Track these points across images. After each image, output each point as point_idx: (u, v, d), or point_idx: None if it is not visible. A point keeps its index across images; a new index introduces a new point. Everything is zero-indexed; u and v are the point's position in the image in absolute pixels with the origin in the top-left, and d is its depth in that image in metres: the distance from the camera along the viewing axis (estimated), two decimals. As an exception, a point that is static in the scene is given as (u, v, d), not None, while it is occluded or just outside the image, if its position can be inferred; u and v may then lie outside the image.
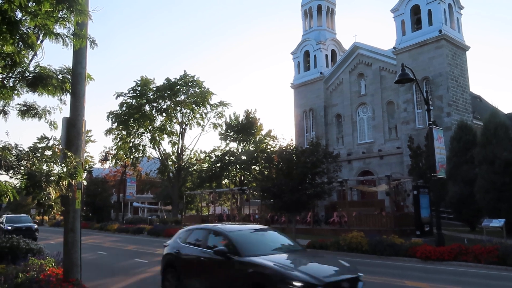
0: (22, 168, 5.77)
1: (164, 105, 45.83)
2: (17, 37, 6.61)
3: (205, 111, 47.00)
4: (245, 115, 48.96)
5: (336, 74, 42.61)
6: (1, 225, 29.21)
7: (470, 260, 14.32)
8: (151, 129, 46.06)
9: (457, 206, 24.00)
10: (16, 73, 7.75)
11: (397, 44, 36.47)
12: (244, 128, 47.77)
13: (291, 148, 24.51)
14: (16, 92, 7.81)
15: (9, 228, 27.06)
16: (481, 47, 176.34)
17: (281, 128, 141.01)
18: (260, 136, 49.18)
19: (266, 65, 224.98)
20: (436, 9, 34.56)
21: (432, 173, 17.84)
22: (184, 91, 45.47)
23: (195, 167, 50.50)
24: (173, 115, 46.34)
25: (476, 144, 23.37)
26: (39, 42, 6.93)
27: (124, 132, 45.74)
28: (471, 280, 11.70)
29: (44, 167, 6.23)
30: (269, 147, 48.26)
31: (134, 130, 46.04)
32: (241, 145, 48.56)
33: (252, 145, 48.32)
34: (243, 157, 47.12)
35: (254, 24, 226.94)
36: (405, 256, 16.17)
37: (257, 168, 46.14)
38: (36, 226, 28.94)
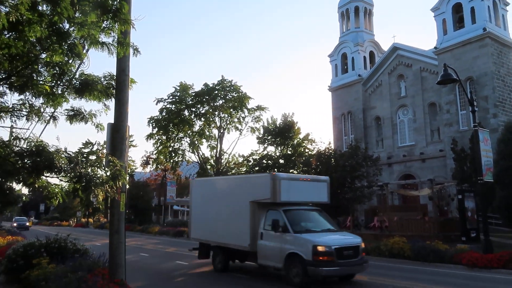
0: (72, 171, 6.03)
1: (202, 110, 46.46)
2: (66, 47, 6.96)
3: (242, 115, 47.20)
4: (283, 119, 48.77)
5: (375, 76, 41.81)
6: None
7: (521, 268, 13.62)
8: (190, 133, 46.81)
9: (506, 211, 22.92)
10: (64, 81, 8.14)
11: (438, 43, 35.37)
12: (281, 132, 47.57)
13: (330, 151, 24.27)
14: (64, 99, 8.21)
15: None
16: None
17: (319, 131, 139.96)
18: (298, 139, 48.79)
19: (303, 68, 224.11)
20: (480, 7, 33.26)
21: (478, 177, 17.13)
22: (222, 96, 45.94)
23: (233, 171, 50.83)
24: (211, 119, 46.91)
25: (526, 146, 22.27)
26: (84, 51, 7.26)
27: (164, 137, 46.72)
28: (523, 289, 11.13)
29: (89, 171, 6.48)
30: (307, 150, 47.84)
31: (174, 135, 46.93)
32: (279, 148, 48.38)
33: (290, 148, 48.05)
34: (281, 161, 46.97)
35: (290, 27, 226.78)
36: (450, 263, 15.58)
37: (296, 172, 45.92)
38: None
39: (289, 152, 47.40)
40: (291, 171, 46.44)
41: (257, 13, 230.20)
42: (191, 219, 16.20)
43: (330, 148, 24.98)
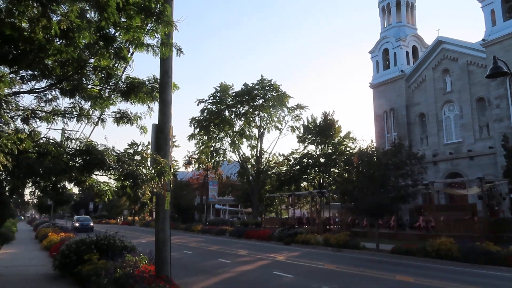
0: (120, 169, 6.28)
1: (242, 109, 46.89)
2: (112, 51, 7.25)
3: (282, 114, 47.27)
4: (323, 117, 48.42)
5: (419, 71, 40.52)
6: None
7: None
8: (231, 133, 47.36)
9: None
10: (111, 84, 8.48)
11: (487, 35, 33.78)
12: (322, 130, 47.26)
13: (372, 149, 23.80)
14: (111, 101, 8.55)
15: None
16: None
17: (360, 129, 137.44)
18: (339, 138, 48.30)
19: (343, 65, 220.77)
20: (533, -5, 31.49)
21: (532, 174, 16.25)
22: (261, 95, 46.15)
23: (273, 170, 50.96)
24: (251, 119, 47.23)
25: None
26: (129, 54, 7.53)
27: (205, 137, 47.57)
28: None
29: (135, 170, 6.72)
30: (348, 149, 47.24)
31: (215, 135, 47.68)
32: (320, 147, 48.09)
33: (331, 147, 47.61)
34: (322, 160, 46.60)
35: (329, 26, 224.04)
36: (502, 265, 14.85)
37: (337, 171, 45.38)
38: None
39: (330, 151, 47.00)
40: (332, 170, 46.10)
41: (296, 13, 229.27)
42: None
43: (372, 146, 24.41)
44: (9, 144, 5.18)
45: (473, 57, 35.74)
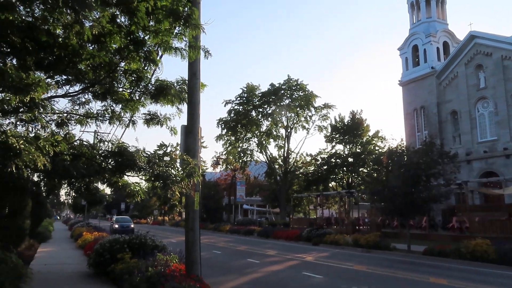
0: (151, 170, 6.41)
1: (269, 110, 46.92)
2: (142, 55, 7.42)
3: (309, 114, 47.01)
4: (351, 116, 47.89)
5: (450, 67, 39.41)
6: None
7: None
8: (258, 134, 47.49)
9: None
10: (141, 87, 8.66)
11: (523, 29, 32.54)
12: (350, 130, 46.75)
13: (402, 148, 23.38)
14: (141, 104, 8.73)
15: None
16: None
17: (390, 128, 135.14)
18: (367, 137, 47.64)
19: (371, 63, 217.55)
20: None
21: None
22: (288, 95, 46.06)
23: (301, 170, 50.76)
24: (278, 119, 47.21)
25: None
26: (158, 57, 7.68)
27: (232, 138, 47.88)
28: None
29: (165, 171, 6.84)
30: (377, 148, 46.53)
31: (242, 136, 47.92)
32: (348, 147, 47.58)
33: (359, 146, 47.03)
34: (350, 159, 46.08)
35: (355, 23, 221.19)
36: (542, 267, 14.32)
37: (365, 170, 44.78)
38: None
39: (358, 150, 46.43)
40: (361, 169, 45.48)
41: (322, 13, 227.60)
42: None
43: (402, 145, 23.96)
44: (47, 146, 5.38)
45: (508, 51, 34.50)
